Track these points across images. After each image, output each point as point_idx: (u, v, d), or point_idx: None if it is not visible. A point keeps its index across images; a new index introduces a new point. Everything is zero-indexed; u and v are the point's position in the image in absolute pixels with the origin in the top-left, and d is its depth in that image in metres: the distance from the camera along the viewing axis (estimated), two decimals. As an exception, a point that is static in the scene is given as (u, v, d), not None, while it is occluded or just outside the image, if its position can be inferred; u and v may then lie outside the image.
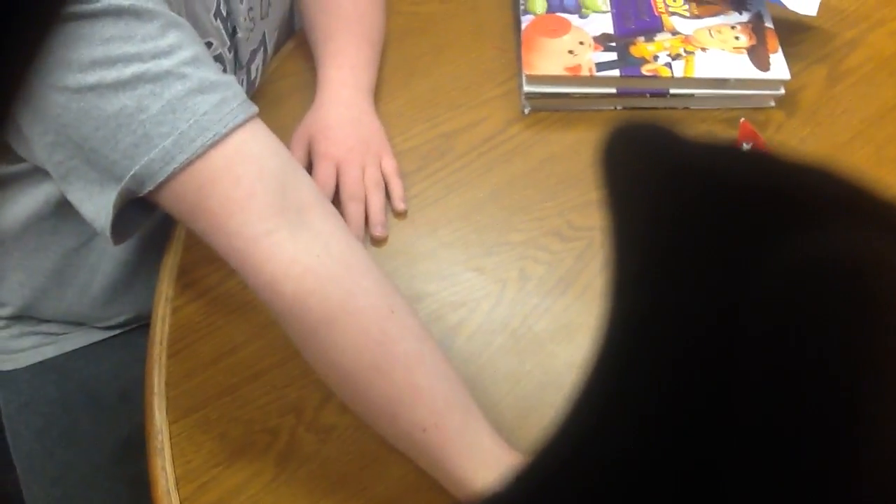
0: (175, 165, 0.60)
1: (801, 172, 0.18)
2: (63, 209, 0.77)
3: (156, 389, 0.69)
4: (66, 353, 0.89)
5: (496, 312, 0.74)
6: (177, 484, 0.64)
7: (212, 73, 0.63)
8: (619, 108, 0.91)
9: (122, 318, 0.90)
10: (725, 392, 0.16)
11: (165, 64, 0.60)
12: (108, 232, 0.63)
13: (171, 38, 0.61)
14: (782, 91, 0.89)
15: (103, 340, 0.90)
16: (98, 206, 0.63)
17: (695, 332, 0.17)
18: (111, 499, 0.84)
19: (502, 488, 0.19)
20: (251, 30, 0.84)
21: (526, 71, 0.88)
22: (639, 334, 0.18)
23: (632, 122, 0.21)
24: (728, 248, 0.17)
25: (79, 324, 0.90)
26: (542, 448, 0.19)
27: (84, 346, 0.90)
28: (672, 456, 0.16)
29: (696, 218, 0.18)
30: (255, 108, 0.65)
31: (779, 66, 0.88)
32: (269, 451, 0.66)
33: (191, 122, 0.60)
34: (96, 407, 0.87)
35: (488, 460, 0.59)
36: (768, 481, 0.15)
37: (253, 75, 0.89)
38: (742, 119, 0.86)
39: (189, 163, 0.60)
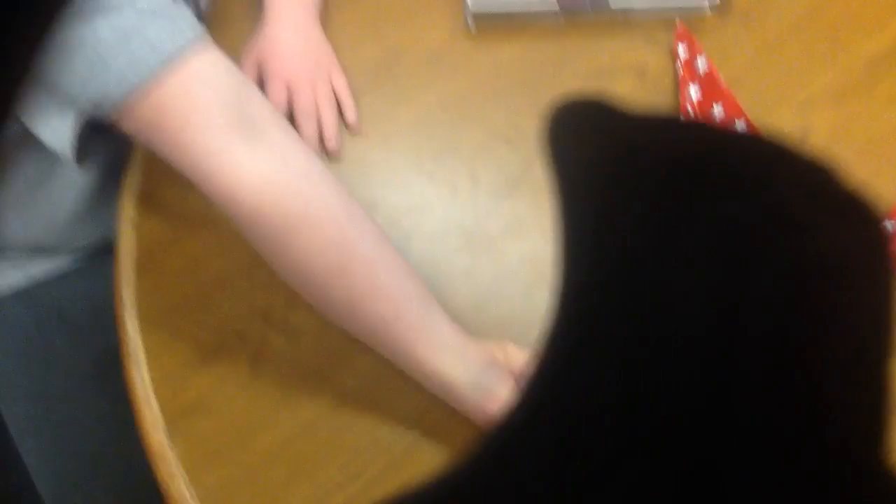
0: (129, 88, 0.62)
1: (730, 140, 0.19)
2: (23, 139, 0.79)
3: (125, 303, 0.72)
4: (37, 283, 0.91)
5: (449, 214, 0.77)
6: (154, 388, 0.68)
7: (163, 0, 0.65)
8: (562, 20, 0.93)
9: (87, 241, 0.92)
10: (724, 390, 0.16)
11: None
12: (68, 154, 0.65)
13: None
14: (716, -4, 0.92)
15: (72, 271, 0.93)
16: (57, 130, 0.65)
17: (693, 332, 0.17)
18: (92, 413, 0.87)
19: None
20: (196, -45, 0.85)
21: (469, -15, 0.90)
22: (631, 327, 0.18)
23: (574, 101, 0.21)
24: (663, 220, 0.17)
25: (44, 250, 0.92)
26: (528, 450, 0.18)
27: (53, 278, 0.92)
28: (670, 455, 0.16)
29: (637, 193, 0.18)
30: (206, 32, 0.67)
31: (711, -30, 0.91)
32: (240, 353, 0.70)
33: (144, 45, 0.62)
34: (70, 326, 0.89)
35: (448, 345, 0.64)
36: (767, 479, 0.16)
37: (201, 3, 0.90)
38: (678, 20, 0.90)
39: (145, 85, 0.62)
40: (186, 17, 0.66)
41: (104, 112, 0.63)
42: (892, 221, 0.73)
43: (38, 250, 0.91)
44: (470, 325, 0.68)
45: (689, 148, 0.18)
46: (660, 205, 0.18)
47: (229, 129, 0.64)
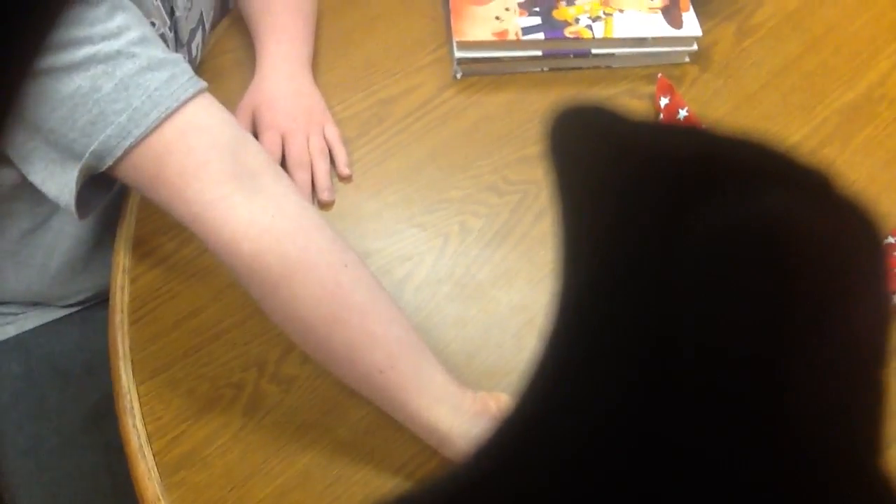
0: (131, 140, 0.63)
1: (731, 144, 0.19)
2: (16, 192, 0.79)
3: (121, 353, 0.72)
4: (28, 332, 0.91)
5: (440, 264, 0.79)
6: (149, 439, 0.68)
7: (160, 51, 0.66)
8: (545, 69, 0.96)
9: (81, 296, 0.93)
10: (666, 372, 0.17)
11: (115, 45, 0.63)
12: (72, 207, 0.66)
13: (119, 20, 0.64)
14: (695, 47, 0.95)
15: (64, 317, 0.93)
16: (60, 184, 0.66)
17: (695, 337, 0.17)
18: (84, 466, 0.87)
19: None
20: (189, 9, 0.87)
21: (456, 38, 0.93)
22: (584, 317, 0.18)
23: (575, 105, 0.21)
24: (657, 221, 0.18)
25: (38, 303, 0.92)
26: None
27: (45, 324, 0.92)
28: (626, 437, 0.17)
29: (633, 195, 0.18)
30: (203, 83, 0.68)
31: (691, 24, 0.94)
32: (235, 404, 0.70)
33: (143, 98, 0.63)
34: (62, 379, 0.89)
35: (441, 395, 0.64)
36: (765, 482, 0.16)
37: (194, 53, 0.91)
38: (659, 74, 0.92)
39: (144, 137, 0.63)
40: (184, 69, 0.67)
41: (105, 163, 0.64)
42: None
43: (32, 304, 0.91)
44: (461, 373, 0.69)
45: (690, 152, 0.19)
46: (660, 209, 0.18)
47: (227, 179, 0.65)
